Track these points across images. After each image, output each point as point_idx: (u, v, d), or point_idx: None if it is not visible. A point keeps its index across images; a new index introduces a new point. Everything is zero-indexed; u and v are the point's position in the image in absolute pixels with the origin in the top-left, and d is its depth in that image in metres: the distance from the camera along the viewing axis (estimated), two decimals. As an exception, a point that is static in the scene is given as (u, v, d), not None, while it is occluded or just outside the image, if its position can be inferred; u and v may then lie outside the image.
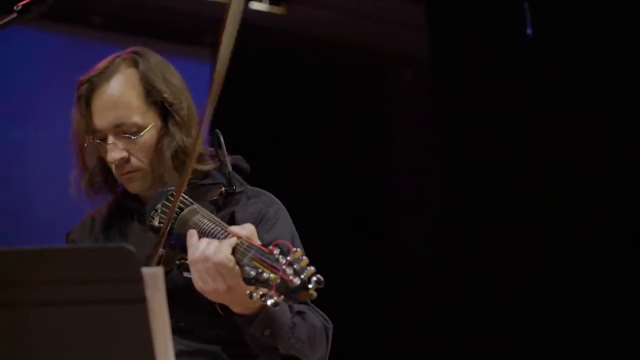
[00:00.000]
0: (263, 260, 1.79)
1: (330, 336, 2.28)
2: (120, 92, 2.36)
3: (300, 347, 2.13)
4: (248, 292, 1.79)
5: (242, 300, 1.93)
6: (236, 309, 2.04)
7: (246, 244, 1.89)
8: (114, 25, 5.72)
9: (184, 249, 2.06)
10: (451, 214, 5.64)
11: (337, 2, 5.80)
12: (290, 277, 1.71)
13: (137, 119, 2.35)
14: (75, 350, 1.50)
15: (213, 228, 2.03)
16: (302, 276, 1.71)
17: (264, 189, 2.46)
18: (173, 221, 2.12)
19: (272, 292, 1.73)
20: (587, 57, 4.97)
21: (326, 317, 2.28)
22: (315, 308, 2.26)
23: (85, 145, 2.39)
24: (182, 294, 2.12)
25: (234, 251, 1.91)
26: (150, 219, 2.25)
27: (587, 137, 4.99)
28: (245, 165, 2.46)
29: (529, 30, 5.01)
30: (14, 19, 1.97)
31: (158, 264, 2.14)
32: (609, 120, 4.99)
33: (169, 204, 2.17)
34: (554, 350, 5.04)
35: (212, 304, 2.12)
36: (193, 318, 2.27)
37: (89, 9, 5.62)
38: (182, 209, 2.16)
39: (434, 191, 5.88)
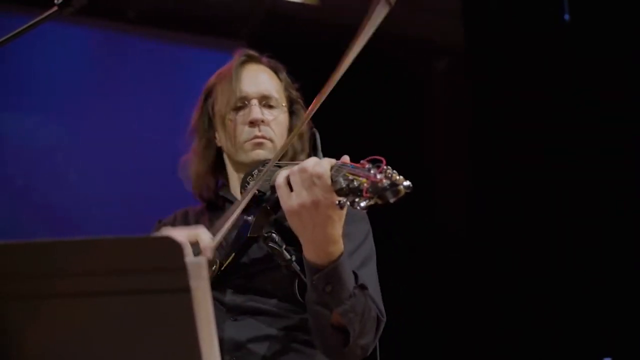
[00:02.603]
0: (355, 172, 1.86)
1: (381, 329, 2.33)
2: (269, 74, 2.70)
3: (352, 317, 2.17)
4: (338, 201, 1.86)
5: (321, 230, 2.03)
6: (310, 251, 2.11)
7: (340, 163, 1.99)
8: (148, 19, 5.74)
9: (278, 205, 2.15)
10: (486, 204, 5.62)
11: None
12: (380, 179, 1.77)
13: (279, 97, 2.67)
14: (120, 339, 1.51)
15: None
16: (392, 178, 1.77)
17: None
18: (267, 182, 2.24)
19: (363, 196, 1.79)
20: (626, 43, 4.93)
21: (382, 311, 2.34)
22: (375, 299, 2.32)
23: (226, 110, 2.60)
24: (262, 272, 2.32)
25: (330, 169, 1.99)
26: (246, 184, 2.42)
27: (626, 124, 4.95)
28: None
29: (566, 16, 4.97)
30: (54, 12, 1.98)
31: (246, 231, 2.28)
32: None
33: (264, 169, 2.30)
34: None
35: (291, 286, 2.24)
36: (267, 299, 2.38)
37: (123, 4, 5.65)
38: (274, 172, 2.25)
39: (469, 182, 5.86)
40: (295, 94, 2.75)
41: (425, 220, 5.99)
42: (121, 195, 5.30)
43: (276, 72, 2.73)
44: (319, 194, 1.99)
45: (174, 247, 1.46)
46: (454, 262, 5.77)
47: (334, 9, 5.90)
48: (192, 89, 2.88)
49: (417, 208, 6.02)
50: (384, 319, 2.33)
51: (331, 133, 5.66)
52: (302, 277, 2.26)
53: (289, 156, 2.59)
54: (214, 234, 2.09)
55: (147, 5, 5.69)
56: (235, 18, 5.95)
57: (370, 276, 2.39)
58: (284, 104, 2.67)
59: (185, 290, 1.48)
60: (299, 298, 2.29)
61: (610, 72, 4.98)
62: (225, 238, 2.45)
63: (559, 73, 5.16)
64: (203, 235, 2.08)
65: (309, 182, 2.01)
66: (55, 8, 1.97)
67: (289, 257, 2.27)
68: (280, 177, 2.10)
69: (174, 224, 2.70)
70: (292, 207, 2.05)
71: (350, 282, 2.16)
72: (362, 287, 2.23)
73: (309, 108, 2.17)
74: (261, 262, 2.38)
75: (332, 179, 1.95)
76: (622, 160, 4.99)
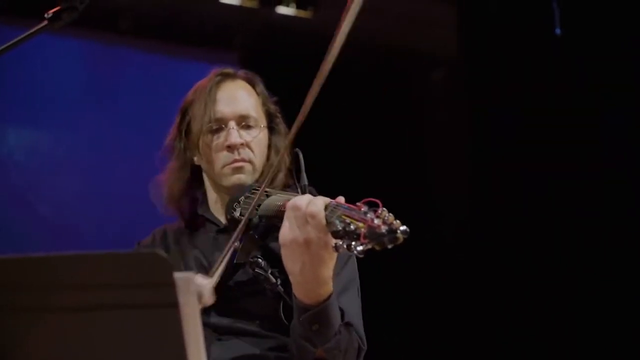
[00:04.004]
0: (351, 215, 1.83)
1: (362, 357, 2.34)
2: (247, 90, 2.62)
3: (336, 353, 2.18)
4: (334, 243, 1.84)
5: (311, 270, 2.00)
6: (300, 290, 2.08)
7: (335, 203, 1.94)
8: (142, 30, 5.75)
9: (267, 232, 2.17)
10: (485, 211, 5.63)
11: (365, 4, 5.78)
12: (378, 224, 1.75)
13: (256, 116, 2.59)
14: (109, 354, 1.51)
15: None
16: (390, 225, 1.75)
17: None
18: (256, 210, 2.21)
19: (360, 240, 1.76)
20: (616, 56, 4.95)
21: (363, 339, 2.33)
22: (357, 328, 2.31)
23: (202, 132, 2.54)
24: (247, 295, 2.29)
25: (325, 208, 1.95)
26: (232, 211, 2.37)
27: (615, 134, 4.98)
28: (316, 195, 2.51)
29: (557, 30, 4.99)
30: (45, 26, 1.98)
31: (232, 257, 2.25)
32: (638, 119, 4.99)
33: (252, 196, 2.30)
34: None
35: (276, 308, 2.24)
36: (252, 321, 2.36)
37: (117, 15, 5.65)
38: (263, 200, 2.24)
39: (466, 191, 5.86)
40: (273, 107, 2.68)
41: (425, 227, 5.99)
42: (113, 206, 5.30)
43: (253, 86, 2.66)
44: (312, 233, 1.95)
45: (162, 262, 1.47)
46: (453, 268, 5.78)
47: (327, 21, 5.90)
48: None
49: (418, 217, 6.03)
50: (365, 348, 2.33)
51: (330, 145, 5.69)
52: (287, 299, 2.25)
53: (269, 176, 2.49)
54: (211, 274, 2.08)
55: (140, 17, 5.70)
56: (229, 30, 5.96)
57: (351, 302, 2.37)
58: (262, 123, 2.60)
59: (173, 306, 1.48)
60: (284, 321, 2.28)
61: (601, 82, 5.01)
62: (210, 264, 2.46)
63: (552, 82, 5.18)
64: (204, 289, 2.00)
65: (301, 220, 1.96)
66: (46, 22, 1.97)
67: (274, 280, 2.26)
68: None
69: (152, 245, 2.66)
70: (285, 240, 2.01)
71: (336, 321, 2.15)
72: (347, 325, 2.23)
73: (292, 129, 2.11)
74: (246, 285, 2.35)
75: (327, 220, 1.91)
76: (615, 167, 5.02)
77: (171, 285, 1.47)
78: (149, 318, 1.49)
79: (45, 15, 1.97)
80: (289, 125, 2.42)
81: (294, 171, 2.50)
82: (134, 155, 5.38)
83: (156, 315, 1.49)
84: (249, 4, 5.77)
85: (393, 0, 5.79)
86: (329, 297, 2.10)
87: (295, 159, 2.47)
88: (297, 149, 2.48)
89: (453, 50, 5.88)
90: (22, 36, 1.90)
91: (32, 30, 1.92)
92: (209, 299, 1.99)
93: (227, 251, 2.04)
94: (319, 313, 2.09)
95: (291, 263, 2.03)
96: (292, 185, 2.50)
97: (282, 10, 5.80)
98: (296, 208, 1.98)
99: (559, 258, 5.24)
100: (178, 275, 1.49)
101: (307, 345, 2.16)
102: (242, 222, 2.08)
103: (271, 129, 2.65)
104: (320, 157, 5.66)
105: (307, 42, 6.20)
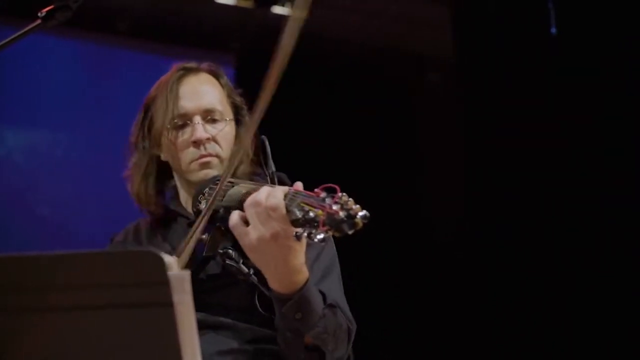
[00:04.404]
0: (310, 202, 1.81)
1: (352, 337, 2.30)
2: (210, 83, 2.54)
3: (325, 337, 2.14)
4: (295, 232, 1.81)
5: (283, 263, 1.98)
6: (275, 283, 2.06)
7: (293, 191, 1.91)
8: (139, 31, 5.74)
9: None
10: (479, 213, 5.63)
11: (360, 5, 5.78)
12: (336, 210, 1.72)
13: (222, 109, 2.53)
14: (102, 354, 1.50)
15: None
16: (349, 210, 1.73)
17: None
18: (220, 201, 2.15)
19: (320, 228, 1.74)
20: (612, 55, 4.95)
21: (351, 319, 2.30)
22: (344, 310, 2.28)
23: (164, 129, 2.47)
24: (220, 288, 2.23)
25: (284, 197, 1.92)
26: (197, 203, 2.31)
27: (611, 134, 4.98)
28: (288, 181, 2.45)
29: (553, 30, 4.99)
30: (38, 25, 1.97)
31: (201, 250, 2.19)
32: (634, 119, 4.98)
33: (215, 187, 2.19)
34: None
35: (251, 299, 2.18)
36: (227, 314, 2.32)
37: (114, 16, 5.65)
38: (227, 190, 2.19)
39: (460, 193, 5.86)
40: (239, 99, 2.61)
41: (420, 229, 6.00)
42: (111, 206, 5.29)
43: (217, 78, 2.59)
44: (276, 226, 1.92)
45: (157, 261, 1.46)
46: (448, 269, 5.78)
47: (322, 22, 5.90)
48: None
49: (413, 218, 6.04)
50: (354, 326, 2.29)
51: (325, 145, 5.68)
52: (262, 289, 2.22)
53: (231, 166, 2.41)
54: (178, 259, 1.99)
55: (138, 18, 5.70)
56: (225, 30, 5.96)
57: (333, 285, 2.34)
58: (228, 116, 2.54)
59: (168, 305, 1.47)
60: (260, 310, 2.23)
61: (597, 83, 5.01)
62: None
63: (547, 83, 5.18)
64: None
65: (264, 215, 1.93)
66: (39, 21, 1.96)
67: (246, 270, 2.19)
68: (234, 216, 2.02)
69: (125, 239, 2.63)
70: (251, 243, 1.98)
71: (318, 305, 2.12)
72: (331, 306, 2.20)
73: (253, 117, 1.99)
74: (219, 277, 2.29)
75: (287, 209, 1.88)
76: (611, 167, 5.02)
77: (166, 284, 1.46)
78: (144, 317, 1.48)
79: (39, 14, 1.96)
80: (272, 119, 2.38)
81: (261, 159, 2.44)
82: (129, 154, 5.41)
83: (150, 314, 1.48)
84: (244, 4, 5.78)
85: (388, 1, 5.80)
86: (306, 282, 2.07)
87: (261, 146, 2.43)
88: (263, 136, 2.44)
89: (448, 51, 5.88)
90: (15, 35, 1.89)
91: (25, 30, 1.91)
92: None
93: (190, 237, 1.96)
94: (299, 301, 2.06)
95: (262, 261, 2.02)
96: (260, 173, 2.46)
97: (278, 10, 5.80)
98: (256, 204, 1.95)
99: (555, 257, 5.25)
100: (173, 274, 1.48)
101: (294, 336, 2.13)
102: (202, 213, 2.01)
103: (237, 121, 2.59)
104: (315, 157, 5.70)
105: (302, 41, 6.21)
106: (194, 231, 2.00)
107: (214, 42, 5.92)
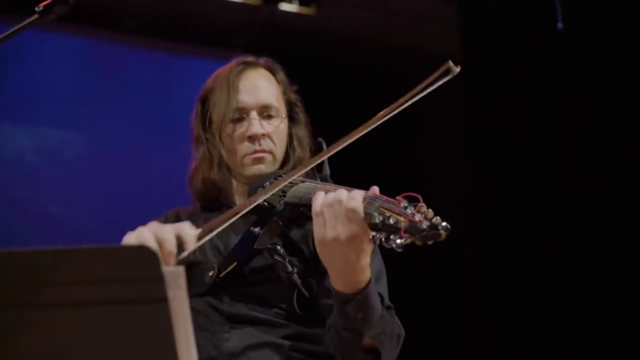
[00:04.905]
0: (391, 208, 1.79)
1: (401, 343, 2.31)
2: (268, 79, 2.59)
3: (383, 339, 2.16)
4: (371, 236, 1.81)
5: (353, 264, 1.97)
6: (339, 282, 2.05)
7: (372, 195, 1.91)
8: (146, 29, 5.74)
9: (292, 220, 2.14)
10: (482, 211, 5.62)
11: (367, 2, 5.77)
12: (420, 219, 1.71)
13: (278, 105, 2.57)
14: (97, 350, 1.49)
15: (331, 189, 2.06)
16: (431, 220, 1.72)
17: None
18: (281, 197, 2.18)
19: (400, 234, 1.73)
20: (619, 50, 4.94)
21: (400, 325, 2.30)
22: (394, 315, 2.29)
23: (224, 122, 2.51)
24: (262, 282, 2.25)
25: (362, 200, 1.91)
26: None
27: (620, 130, 4.96)
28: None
29: (559, 25, 4.97)
30: (35, 20, 1.96)
31: (253, 242, 2.24)
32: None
33: (275, 182, 2.22)
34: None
35: (290, 297, 2.22)
36: (267, 309, 2.33)
37: (121, 14, 5.65)
38: (292, 186, 2.21)
39: (465, 189, 5.84)
40: (294, 97, 2.65)
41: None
42: (116, 202, 5.30)
43: (274, 73, 2.62)
44: (354, 229, 1.91)
45: (151, 256, 1.44)
46: (455, 266, 5.77)
47: (329, 18, 5.90)
48: (189, 99, 2.85)
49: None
50: (403, 332, 2.30)
51: (330, 140, 5.66)
52: (302, 289, 2.24)
53: (291, 164, 2.54)
54: (204, 231, 2.02)
55: (144, 15, 5.70)
56: (232, 27, 5.95)
57: (384, 291, 2.35)
58: (283, 113, 2.59)
59: (162, 300, 1.46)
60: (297, 310, 2.26)
61: (603, 79, 4.99)
62: (225, 245, 2.44)
63: (553, 80, 5.16)
64: (187, 229, 2.00)
65: (343, 216, 1.92)
66: (36, 15, 1.96)
67: (290, 269, 2.24)
68: (317, 204, 2.01)
69: (165, 222, 2.65)
70: (325, 239, 1.97)
71: (378, 305, 2.13)
72: (389, 308, 2.22)
73: (338, 142, 2.09)
74: (261, 272, 2.32)
75: (365, 212, 1.87)
76: (616, 166, 5.01)
77: (160, 280, 1.45)
78: (138, 313, 1.46)
79: (36, 9, 1.96)
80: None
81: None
82: (137, 151, 5.41)
83: (145, 310, 1.46)
84: (251, 1, 5.77)
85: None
86: (369, 282, 2.07)
87: (318, 149, 2.48)
88: (320, 138, 2.51)
89: (455, 47, 5.86)
90: (12, 30, 1.89)
91: (22, 24, 1.90)
92: (191, 245, 1.96)
93: (234, 215, 1.97)
94: (362, 300, 2.06)
95: (331, 260, 2.01)
96: (310, 174, 2.46)
97: (285, 7, 5.80)
98: (336, 203, 1.95)
99: (562, 253, 5.23)
100: (167, 270, 1.47)
101: (353, 336, 2.13)
102: (256, 199, 2.01)
103: (291, 117, 2.63)
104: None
105: (310, 38, 6.22)
106: (239, 211, 2.02)
107: (220, 40, 5.92)
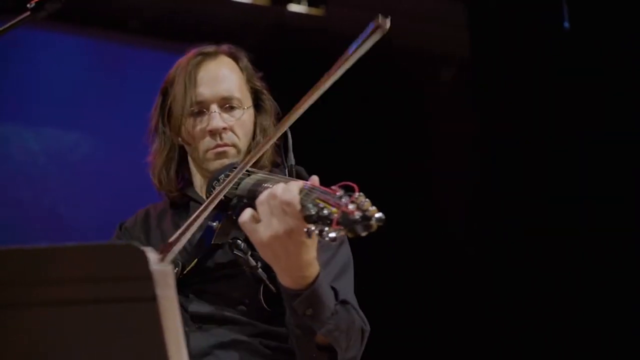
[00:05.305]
0: (326, 199, 1.75)
1: (366, 338, 2.25)
2: (229, 68, 2.53)
3: (337, 335, 2.09)
4: (306, 229, 1.74)
5: (295, 258, 1.91)
6: (285, 278, 2.00)
7: (309, 186, 1.85)
8: (153, 29, 5.74)
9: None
10: (489, 212, 5.60)
11: (376, 2, 5.73)
12: (352, 210, 1.66)
13: (240, 96, 2.49)
14: (85, 350, 1.48)
15: (278, 181, 2.00)
16: (365, 211, 1.67)
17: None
18: (234, 189, 2.11)
19: (333, 227, 1.68)
20: (625, 49, 4.92)
21: (365, 320, 2.26)
22: (357, 309, 2.24)
23: (183, 116, 2.45)
24: (226, 278, 2.22)
25: (299, 192, 1.86)
26: (212, 190, 2.27)
27: (627, 131, 4.95)
28: (305, 175, 2.42)
29: (566, 24, 4.95)
30: (27, 17, 1.96)
31: (210, 237, 2.18)
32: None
33: (231, 175, 2.16)
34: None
35: (256, 292, 2.17)
36: (234, 307, 2.29)
37: (125, 14, 5.65)
38: (242, 179, 2.15)
39: (473, 191, 5.82)
40: (259, 84, 2.59)
41: (428, 229, 5.96)
42: (124, 203, 5.29)
43: (237, 61, 2.57)
44: (290, 222, 1.84)
45: (139, 254, 1.43)
46: (459, 265, 5.76)
47: (339, 19, 5.88)
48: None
49: (422, 219, 6.01)
50: (368, 328, 2.25)
51: (337, 142, 5.66)
52: (268, 284, 2.19)
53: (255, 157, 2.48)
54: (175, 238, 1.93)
55: (150, 16, 5.69)
56: (241, 29, 5.94)
57: (347, 286, 2.29)
58: (247, 103, 2.51)
59: (151, 299, 1.44)
60: (264, 305, 2.22)
61: (610, 78, 4.97)
62: (190, 241, 2.33)
63: (561, 80, 5.15)
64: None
65: (279, 210, 1.86)
66: (28, 13, 1.95)
67: (254, 263, 2.17)
68: (245, 213, 1.95)
69: (134, 226, 2.60)
70: (262, 240, 1.90)
71: (330, 301, 2.07)
72: (344, 302, 2.15)
73: (283, 121, 1.98)
74: (225, 267, 2.28)
75: (301, 204, 1.81)
76: (623, 166, 4.99)
77: (148, 278, 1.43)
78: (127, 312, 1.45)
79: (28, 6, 1.95)
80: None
81: (282, 150, 2.40)
82: (143, 153, 5.40)
83: (133, 309, 1.45)
84: (260, 2, 5.76)
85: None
86: (317, 277, 2.01)
87: (283, 138, 2.39)
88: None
89: (463, 48, 5.83)
90: (4, 27, 1.88)
91: (14, 21, 1.90)
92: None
93: (188, 225, 1.86)
94: (309, 296, 2.01)
95: (272, 256, 1.95)
96: (280, 163, 2.43)
97: (294, 8, 5.78)
98: (271, 198, 1.88)
99: (567, 253, 5.21)
100: (156, 268, 1.45)
101: (305, 333, 2.08)
102: (216, 194, 1.93)
103: (257, 106, 2.55)
104: (327, 154, 5.69)
105: (319, 39, 6.20)
106: (195, 217, 1.92)
107: (229, 40, 5.88)
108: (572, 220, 5.16)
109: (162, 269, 1.46)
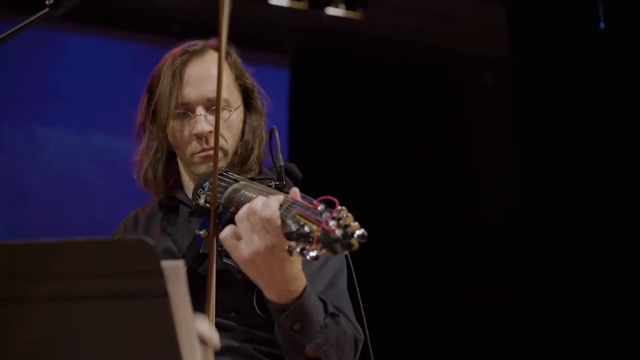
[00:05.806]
0: (307, 215, 1.68)
1: (360, 348, 2.18)
2: (217, 67, 2.28)
3: (327, 349, 2.03)
4: (287, 247, 1.68)
5: (280, 273, 1.85)
6: (271, 292, 1.95)
7: (291, 200, 1.78)
8: (193, 33, 5.75)
9: (228, 222, 1.97)
10: (532, 215, 5.55)
11: (414, 5, 5.72)
12: (332, 228, 1.60)
13: (228, 96, 2.36)
14: (95, 345, 1.47)
15: (260, 194, 1.94)
16: (346, 228, 1.61)
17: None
18: (219, 199, 2.03)
19: (313, 245, 1.62)
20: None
21: (358, 329, 2.19)
22: (350, 318, 2.18)
23: (168, 117, 2.35)
24: (217, 286, 2.06)
25: (279, 207, 1.79)
26: (197, 197, 2.19)
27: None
28: (297, 172, 2.37)
29: (602, 25, 4.89)
30: (45, 14, 1.96)
31: (199, 246, 2.11)
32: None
33: (219, 181, 2.12)
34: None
35: (249, 299, 2.09)
36: (226, 314, 2.22)
37: (168, 19, 5.68)
38: (227, 187, 2.08)
39: (515, 194, 5.78)
40: (249, 82, 2.44)
41: (471, 234, 5.93)
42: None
43: (225, 58, 2.33)
44: (272, 239, 1.78)
45: (149, 250, 1.42)
46: (502, 269, 5.73)
47: (377, 22, 5.86)
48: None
49: (464, 221, 5.98)
50: (361, 337, 2.17)
51: (379, 144, 5.65)
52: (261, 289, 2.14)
53: (241, 154, 2.37)
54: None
55: (191, 20, 5.71)
56: (280, 33, 5.95)
57: (340, 294, 2.22)
58: (235, 103, 2.39)
59: (163, 295, 1.43)
60: (258, 311, 2.14)
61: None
62: (179, 249, 2.33)
63: (598, 80, 5.09)
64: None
65: (259, 227, 1.79)
66: (47, 9, 1.95)
67: None
68: (225, 230, 1.89)
69: (124, 232, 2.53)
70: (243, 257, 1.84)
71: (318, 314, 2.00)
72: (333, 315, 2.07)
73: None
74: (217, 275, 2.22)
75: (282, 219, 1.74)
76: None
77: (159, 274, 1.42)
78: (138, 308, 1.44)
79: (46, 2, 1.95)
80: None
81: (271, 151, 2.30)
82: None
83: (145, 304, 1.44)
84: (298, 6, 5.75)
85: (443, 1, 5.74)
86: (304, 290, 1.95)
87: (270, 137, 2.30)
88: (273, 126, 2.32)
89: (503, 51, 5.80)
90: (22, 24, 1.88)
91: (32, 18, 1.90)
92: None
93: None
94: (296, 310, 1.95)
95: (255, 272, 1.89)
96: (271, 166, 2.34)
97: (331, 11, 5.77)
98: (250, 214, 1.81)
99: (607, 245, 5.13)
100: (167, 264, 1.44)
101: (293, 348, 2.03)
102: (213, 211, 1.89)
103: (247, 104, 2.43)
104: (370, 154, 5.66)
105: (357, 42, 6.19)
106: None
107: (267, 44, 5.91)
108: (616, 215, 5.08)
109: (173, 264, 1.45)
